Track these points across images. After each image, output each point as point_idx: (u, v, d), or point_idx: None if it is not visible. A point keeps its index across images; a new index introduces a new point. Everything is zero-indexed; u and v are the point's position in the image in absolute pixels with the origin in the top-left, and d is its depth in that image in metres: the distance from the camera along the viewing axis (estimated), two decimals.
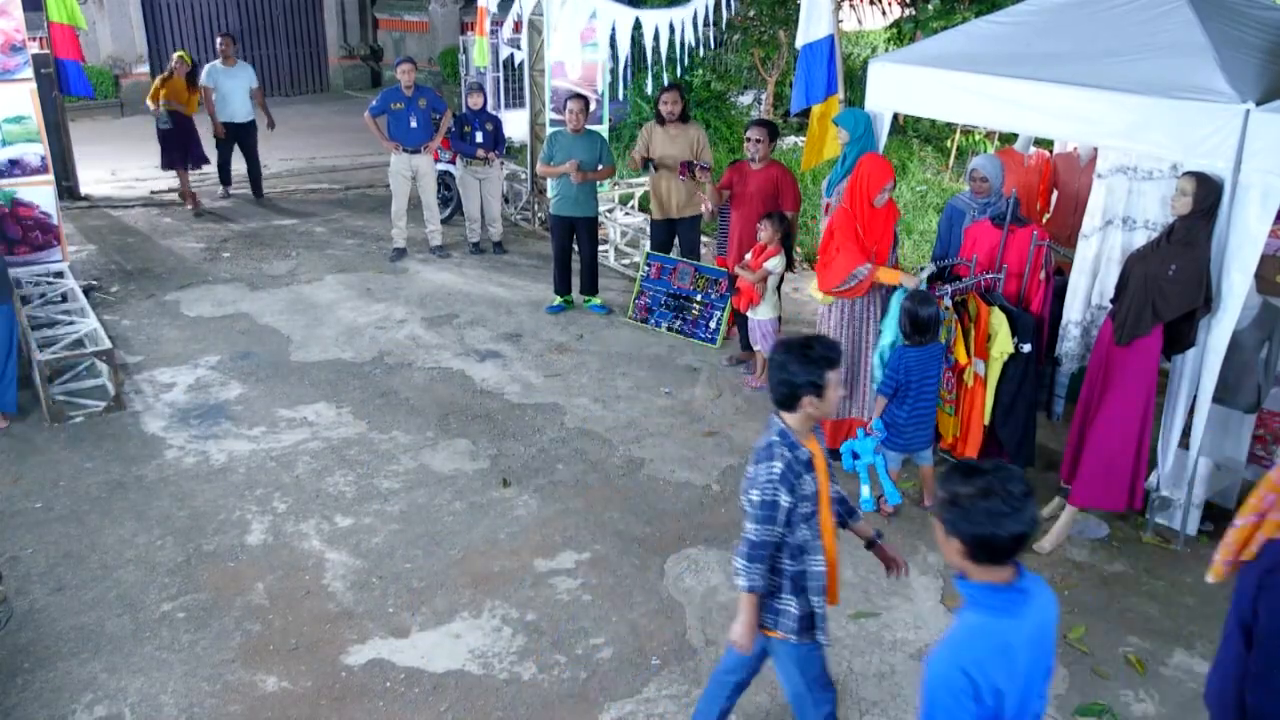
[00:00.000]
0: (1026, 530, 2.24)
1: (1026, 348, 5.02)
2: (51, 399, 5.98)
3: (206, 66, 10.41)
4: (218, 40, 10.61)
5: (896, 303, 5.08)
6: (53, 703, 3.82)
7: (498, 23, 11.57)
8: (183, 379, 6.55)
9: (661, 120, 7.41)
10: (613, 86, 9.50)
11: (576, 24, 7.81)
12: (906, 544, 4.91)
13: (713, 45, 8.48)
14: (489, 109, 9.24)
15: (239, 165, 10.95)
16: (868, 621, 4.35)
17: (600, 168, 7.67)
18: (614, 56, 8.08)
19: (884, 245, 5.31)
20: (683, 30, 7.88)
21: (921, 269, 5.37)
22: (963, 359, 5.10)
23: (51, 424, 5.92)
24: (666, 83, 7.87)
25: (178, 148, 10.40)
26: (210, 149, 10.67)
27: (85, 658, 4.05)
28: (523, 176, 10.56)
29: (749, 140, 6.58)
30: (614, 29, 7.80)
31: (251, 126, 10.62)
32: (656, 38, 7.89)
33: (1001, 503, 2.20)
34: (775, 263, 6.31)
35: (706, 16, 7.90)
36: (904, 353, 4.96)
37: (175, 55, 10.31)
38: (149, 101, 10.24)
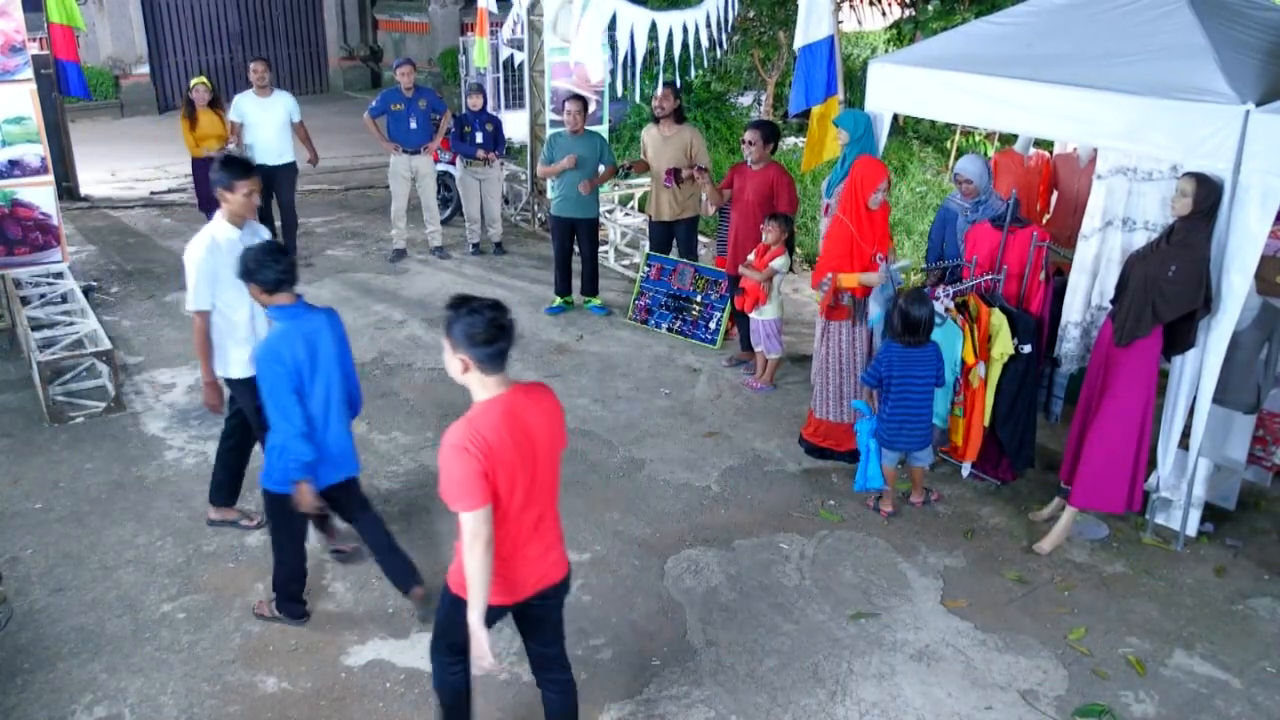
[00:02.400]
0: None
1: (1027, 349, 5.03)
2: (51, 399, 5.98)
3: (235, 98, 8.52)
4: (250, 67, 8.48)
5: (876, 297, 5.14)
6: (53, 703, 3.82)
7: (498, 23, 11.57)
8: (183, 380, 6.54)
9: (655, 119, 7.44)
10: (613, 86, 9.49)
11: (598, 26, 7.82)
12: (906, 544, 4.91)
13: (724, 46, 8.49)
14: (489, 110, 9.24)
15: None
16: (868, 621, 4.35)
17: (601, 169, 7.67)
18: (614, 57, 8.08)
19: (882, 247, 5.31)
20: (696, 31, 7.90)
21: (891, 262, 5.34)
22: (969, 359, 5.10)
23: (51, 424, 5.92)
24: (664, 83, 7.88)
25: (208, 194, 8.41)
26: None
27: (85, 658, 4.05)
28: (523, 177, 10.56)
29: (744, 142, 6.60)
30: (632, 31, 7.81)
31: (289, 170, 8.65)
32: (670, 40, 7.90)
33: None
34: (781, 262, 6.32)
35: (719, 18, 7.91)
36: (889, 348, 4.97)
37: (193, 83, 8.50)
38: (192, 154, 8.47)
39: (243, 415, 4.68)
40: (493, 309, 2.89)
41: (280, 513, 4.07)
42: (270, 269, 3.81)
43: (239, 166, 4.47)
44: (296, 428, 3.83)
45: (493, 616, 3.02)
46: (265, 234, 4.64)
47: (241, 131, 8.43)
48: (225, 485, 4.89)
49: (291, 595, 4.26)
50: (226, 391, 4.66)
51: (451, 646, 3.24)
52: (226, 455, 4.84)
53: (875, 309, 5.42)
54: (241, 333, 4.49)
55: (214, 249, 4.39)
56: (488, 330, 2.86)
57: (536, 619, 3.25)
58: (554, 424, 3.06)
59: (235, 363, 4.52)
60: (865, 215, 5.24)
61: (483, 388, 2.94)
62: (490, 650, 2.96)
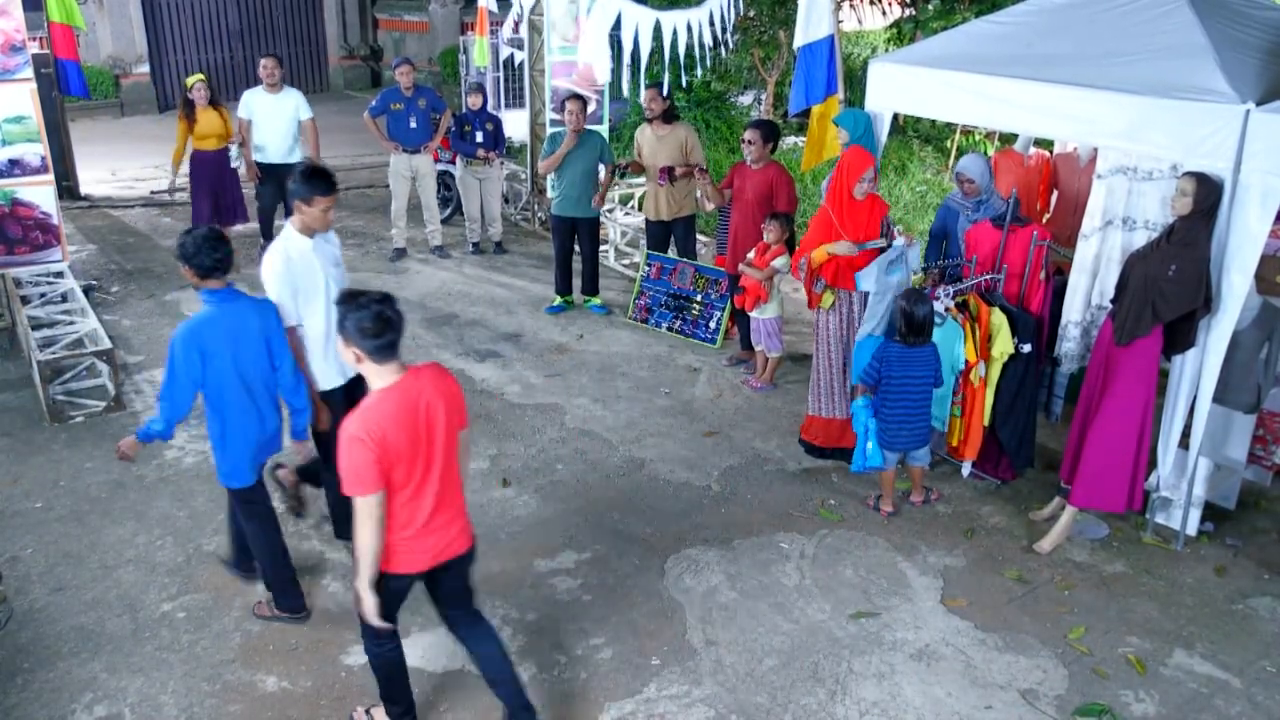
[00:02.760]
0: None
1: (1027, 348, 5.02)
2: (51, 399, 5.98)
3: (244, 95, 8.40)
4: (261, 64, 8.33)
5: (879, 297, 5.12)
6: (53, 703, 3.82)
7: (498, 23, 11.57)
8: None
9: (648, 120, 7.45)
10: (616, 86, 9.50)
11: (603, 27, 7.82)
12: (906, 543, 4.91)
13: (730, 46, 8.48)
14: (489, 109, 9.24)
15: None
16: (868, 621, 4.35)
17: (601, 169, 7.68)
18: (615, 57, 8.08)
19: (870, 237, 5.28)
20: (699, 31, 7.90)
21: (909, 245, 5.31)
22: (971, 358, 5.09)
23: (51, 424, 5.92)
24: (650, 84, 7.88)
25: (206, 196, 8.41)
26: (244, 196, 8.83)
27: (85, 658, 4.05)
28: (523, 176, 10.56)
29: (744, 142, 6.61)
30: (637, 31, 7.82)
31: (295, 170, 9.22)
32: (675, 39, 7.90)
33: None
34: (782, 261, 6.33)
35: (723, 18, 7.91)
36: (887, 347, 4.96)
37: (190, 82, 8.24)
38: (173, 166, 8.40)
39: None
40: (380, 303, 3.10)
41: (245, 505, 4.15)
42: (208, 255, 3.86)
43: (322, 181, 4.24)
44: (178, 415, 3.90)
45: (405, 584, 3.38)
46: (337, 243, 4.55)
47: (249, 129, 8.29)
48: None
49: (286, 588, 4.26)
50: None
51: (383, 615, 3.39)
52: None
53: (872, 280, 5.25)
54: (319, 345, 4.36)
55: (289, 262, 4.22)
56: (375, 323, 3.06)
57: (447, 587, 3.52)
58: (451, 405, 3.26)
59: (316, 375, 4.38)
60: (849, 204, 5.24)
61: (378, 377, 3.16)
62: (377, 611, 3.29)
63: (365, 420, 3.08)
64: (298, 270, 4.23)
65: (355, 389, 4.33)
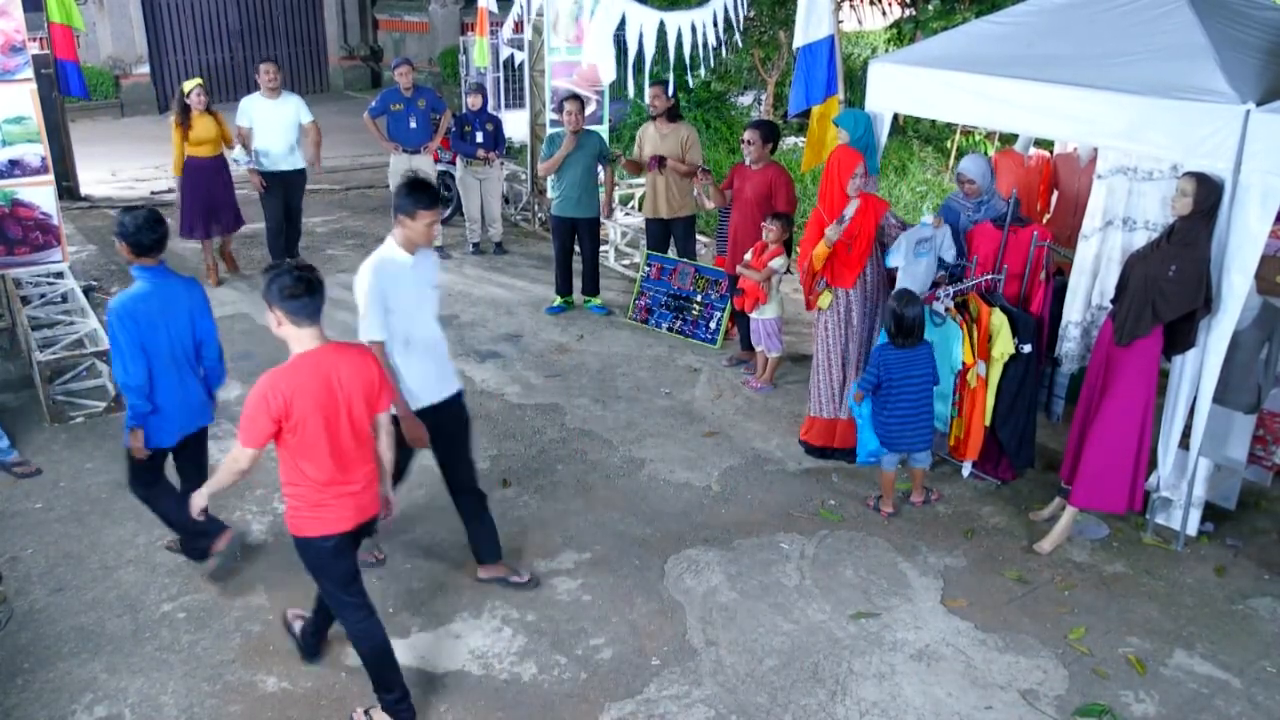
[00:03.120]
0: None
1: (1027, 348, 5.02)
2: (51, 399, 5.98)
3: (243, 102, 8.06)
4: (261, 69, 8.01)
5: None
6: (53, 703, 3.82)
7: (498, 23, 11.57)
8: None
9: (652, 118, 7.45)
10: (619, 86, 9.50)
11: (608, 27, 7.83)
12: (906, 544, 4.91)
13: (739, 46, 8.48)
14: (489, 109, 9.24)
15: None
16: (868, 621, 4.35)
17: (601, 170, 7.68)
18: (620, 58, 8.09)
19: (864, 235, 5.27)
20: (704, 31, 7.91)
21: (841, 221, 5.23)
22: (968, 359, 5.10)
23: (51, 424, 5.92)
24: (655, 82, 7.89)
25: (198, 205, 7.91)
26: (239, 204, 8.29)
27: (85, 658, 4.05)
28: (523, 177, 10.56)
29: (743, 142, 6.61)
30: (641, 32, 7.83)
31: (301, 176, 8.33)
32: (680, 40, 7.91)
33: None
34: (780, 262, 6.33)
35: (727, 18, 7.93)
36: (884, 351, 4.96)
37: (188, 87, 7.76)
38: (175, 176, 7.94)
39: (443, 440, 4.34)
40: (300, 269, 3.33)
41: (147, 471, 4.39)
42: (146, 234, 4.20)
43: (426, 195, 4.03)
44: (135, 381, 4.12)
45: (339, 543, 3.51)
46: (437, 262, 4.41)
47: (250, 136, 8.00)
48: (485, 543, 4.57)
49: (193, 538, 4.48)
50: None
51: (341, 585, 3.59)
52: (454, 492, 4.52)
53: (900, 255, 5.22)
54: (411, 365, 4.16)
55: (383, 277, 4.04)
56: (296, 285, 3.28)
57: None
58: (366, 379, 3.45)
59: (410, 391, 4.17)
60: (841, 203, 5.24)
61: (297, 342, 3.36)
62: (202, 510, 3.67)
63: (275, 382, 3.30)
64: (392, 286, 4.04)
65: (446, 409, 4.29)
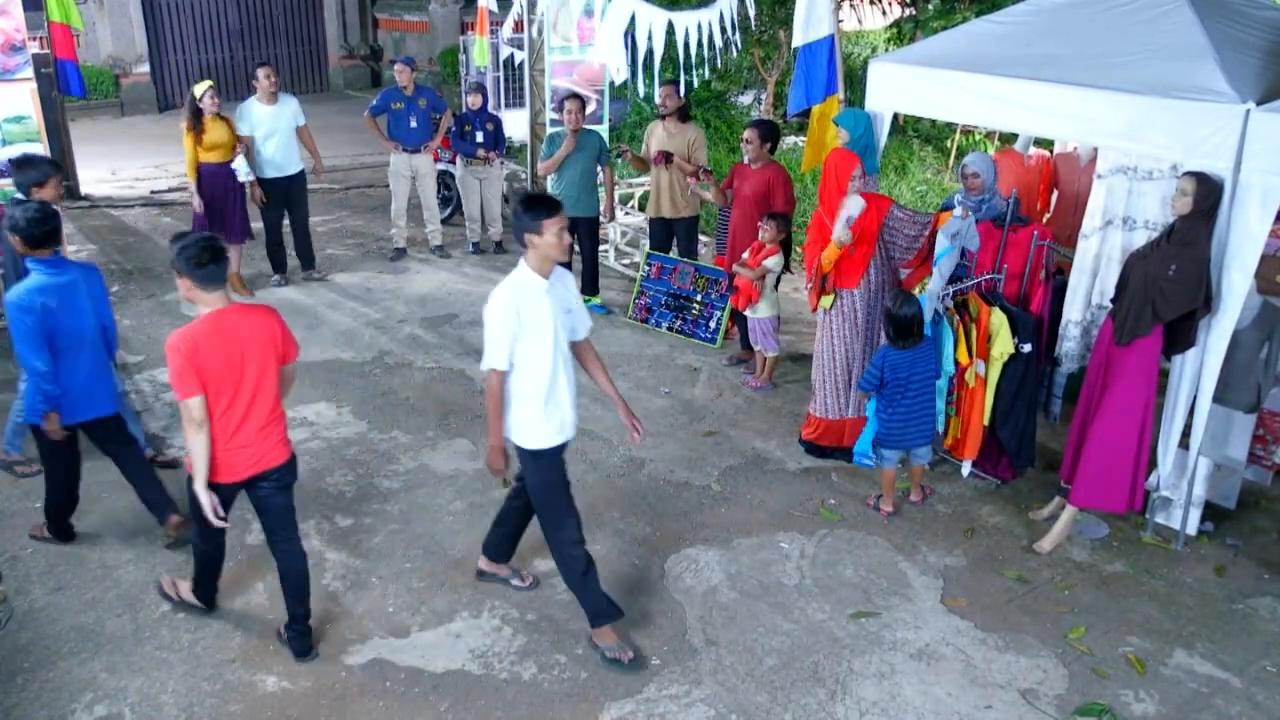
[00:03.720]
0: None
1: (1027, 348, 5.02)
2: None
3: (241, 108, 7.82)
4: (260, 73, 7.80)
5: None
6: (53, 702, 3.82)
7: (498, 22, 11.57)
8: None
9: (661, 116, 7.46)
10: (622, 85, 9.49)
11: (618, 27, 7.84)
12: (906, 543, 4.91)
13: (738, 46, 8.48)
14: (489, 109, 9.24)
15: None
16: (868, 621, 4.35)
17: (600, 170, 7.67)
18: (629, 56, 8.09)
19: (867, 236, 5.27)
20: (710, 31, 7.92)
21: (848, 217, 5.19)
22: (964, 359, 5.10)
23: None
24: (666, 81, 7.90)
25: (210, 213, 7.64)
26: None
27: (85, 657, 4.05)
28: (523, 176, 10.56)
29: (743, 141, 6.62)
30: (650, 31, 7.84)
31: (303, 179, 8.19)
32: (687, 39, 7.92)
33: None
34: (774, 261, 6.33)
35: (732, 19, 7.93)
36: (886, 353, 4.97)
37: (202, 88, 7.46)
38: (190, 179, 7.59)
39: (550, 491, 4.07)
40: (205, 238, 3.66)
41: (48, 444, 4.57)
42: (38, 228, 4.37)
43: (544, 204, 3.79)
44: (42, 368, 4.32)
45: (227, 493, 3.83)
46: (573, 286, 4.13)
47: (252, 144, 7.76)
48: (501, 542, 4.50)
49: (59, 521, 4.76)
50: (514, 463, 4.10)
51: (201, 517, 3.81)
52: (509, 512, 4.41)
53: (946, 239, 5.17)
54: (538, 396, 3.89)
55: (516, 305, 3.79)
56: (201, 253, 3.58)
57: (263, 499, 3.94)
58: (267, 334, 3.78)
59: (522, 428, 3.93)
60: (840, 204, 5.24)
61: (205, 305, 3.68)
62: (215, 510, 3.74)
63: (183, 335, 3.62)
64: (523, 315, 3.79)
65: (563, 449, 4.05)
